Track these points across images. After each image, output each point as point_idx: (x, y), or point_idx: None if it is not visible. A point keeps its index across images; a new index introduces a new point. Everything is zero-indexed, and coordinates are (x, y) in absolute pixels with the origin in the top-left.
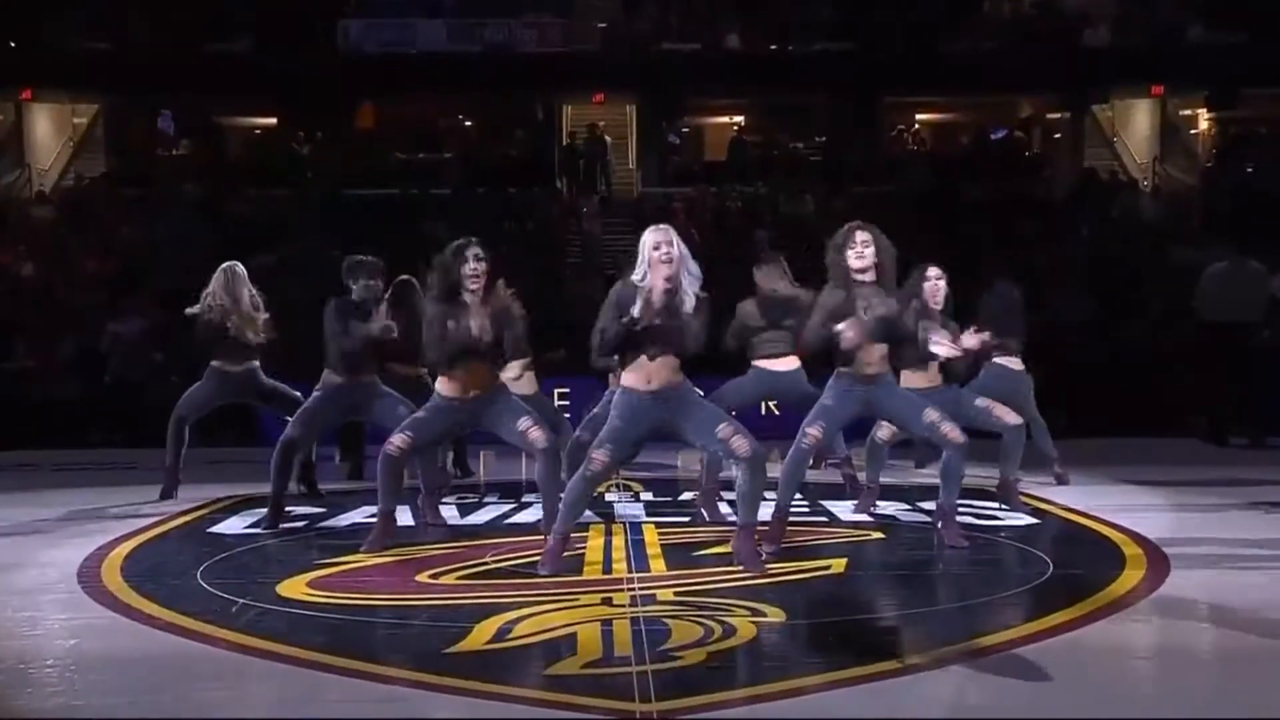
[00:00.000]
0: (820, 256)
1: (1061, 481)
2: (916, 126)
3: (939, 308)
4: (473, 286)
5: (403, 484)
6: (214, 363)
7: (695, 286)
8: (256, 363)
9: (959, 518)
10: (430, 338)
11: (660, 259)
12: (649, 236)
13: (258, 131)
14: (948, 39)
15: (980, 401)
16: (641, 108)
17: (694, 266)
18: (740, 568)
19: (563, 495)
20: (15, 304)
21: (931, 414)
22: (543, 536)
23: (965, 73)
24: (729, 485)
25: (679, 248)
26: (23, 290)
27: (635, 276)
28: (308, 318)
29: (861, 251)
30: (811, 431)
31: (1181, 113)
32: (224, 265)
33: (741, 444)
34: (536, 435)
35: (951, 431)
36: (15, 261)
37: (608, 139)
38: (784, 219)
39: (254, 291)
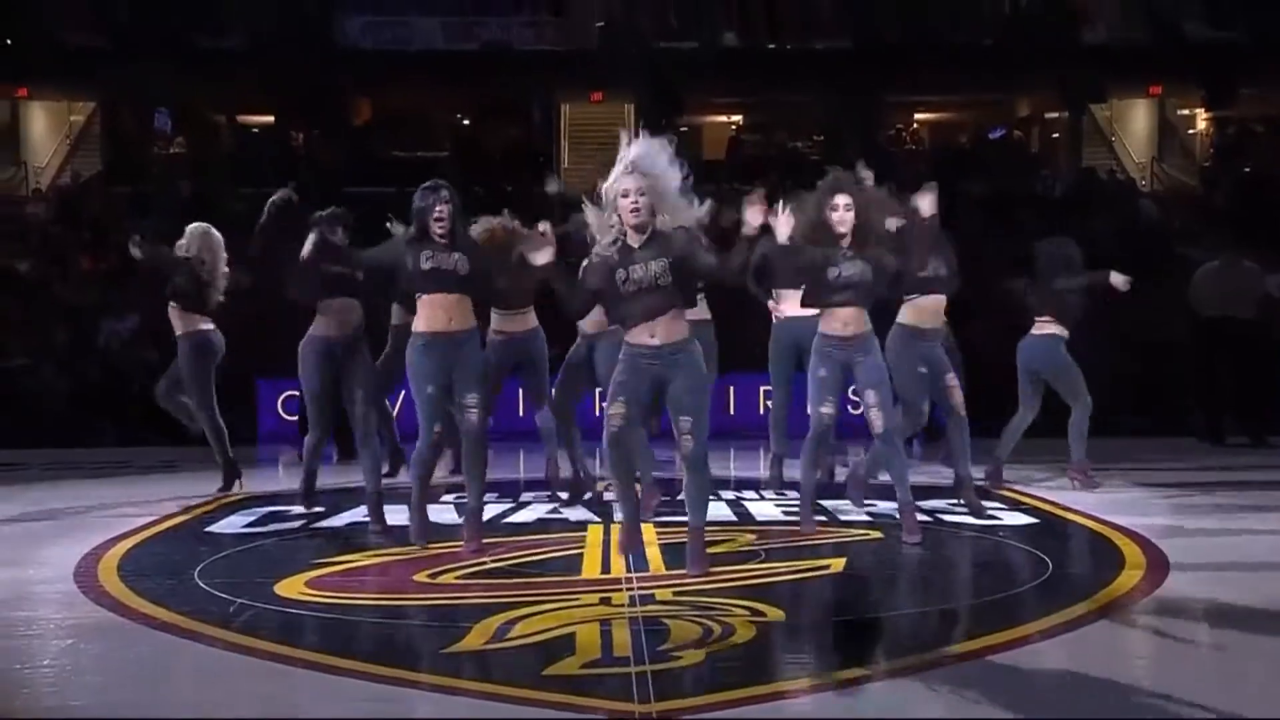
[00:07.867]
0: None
1: (1088, 486)
2: (915, 125)
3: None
4: (439, 229)
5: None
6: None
7: (687, 216)
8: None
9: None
10: (401, 269)
11: (629, 207)
12: (617, 184)
13: (254, 129)
14: (946, 37)
15: (950, 377)
16: (639, 106)
17: (675, 200)
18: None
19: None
20: (10, 301)
21: (871, 396)
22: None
23: (964, 71)
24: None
25: (659, 188)
26: (17, 287)
27: (605, 241)
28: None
29: (843, 216)
30: (824, 410)
31: (1179, 112)
32: (201, 226)
33: (687, 443)
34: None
35: (876, 422)
36: (11, 259)
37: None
38: None
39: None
